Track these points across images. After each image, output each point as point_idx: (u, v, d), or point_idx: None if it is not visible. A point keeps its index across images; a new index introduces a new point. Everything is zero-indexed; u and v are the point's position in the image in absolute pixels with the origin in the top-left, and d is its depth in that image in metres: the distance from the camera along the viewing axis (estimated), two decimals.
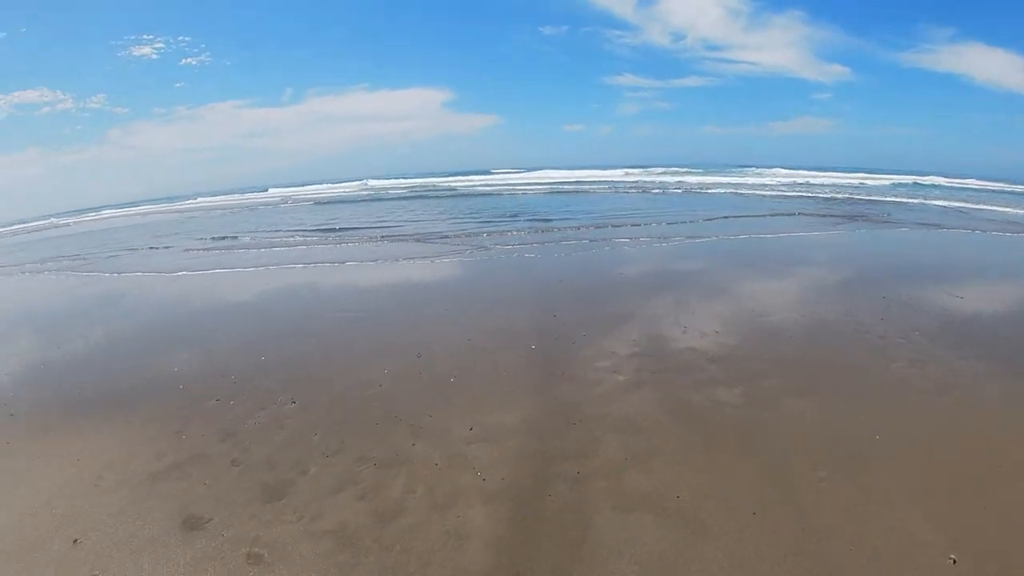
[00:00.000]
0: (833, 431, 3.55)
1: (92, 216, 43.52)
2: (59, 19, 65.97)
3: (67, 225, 36.00)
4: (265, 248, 12.84)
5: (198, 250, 13.63)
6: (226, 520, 2.94)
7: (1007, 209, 18.25)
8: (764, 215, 15.71)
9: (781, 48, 74.03)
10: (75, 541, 2.90)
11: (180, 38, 63.70)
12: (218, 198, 43.77)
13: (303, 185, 50.11)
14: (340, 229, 15.37)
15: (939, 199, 20.91)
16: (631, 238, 11.51)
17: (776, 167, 40.52)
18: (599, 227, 13.11)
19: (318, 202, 28.84)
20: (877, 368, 4.53)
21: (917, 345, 4.93)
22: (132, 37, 61.83)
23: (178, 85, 69.93)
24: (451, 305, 6.80)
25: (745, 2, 67.95)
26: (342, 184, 46.76)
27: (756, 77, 72.67)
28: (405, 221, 17.23)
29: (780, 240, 11.37)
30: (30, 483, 3.51)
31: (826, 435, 3.50)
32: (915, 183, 30.30)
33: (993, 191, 26.27)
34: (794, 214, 15.88)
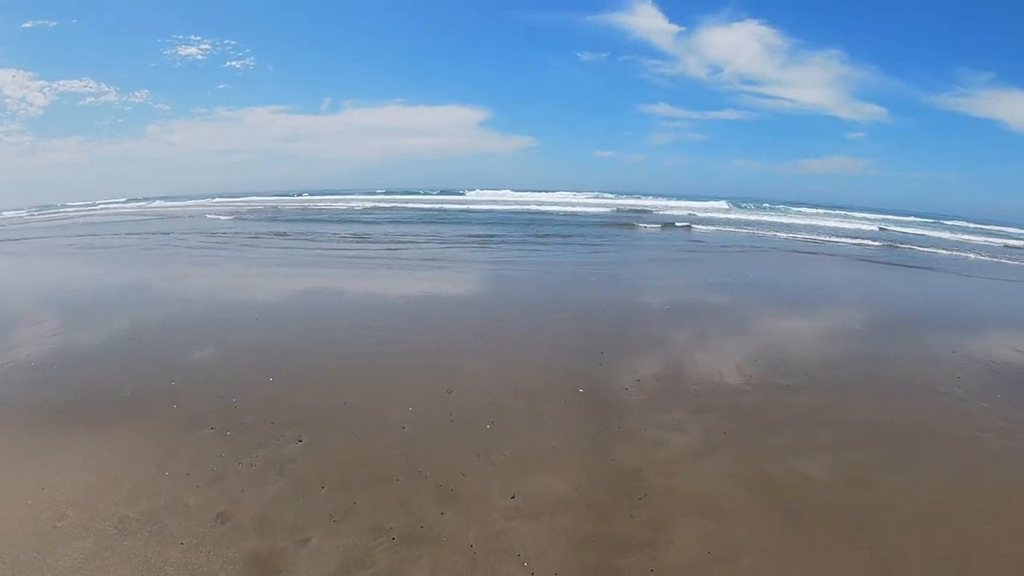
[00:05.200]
0: (936, 519, 3.01)
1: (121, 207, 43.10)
2: (109, 14, 67.60)
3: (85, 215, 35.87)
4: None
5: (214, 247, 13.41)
6: None
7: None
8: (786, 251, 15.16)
9: (818, 86, 72.90)
10: None
11: (227, 41, 64.96)
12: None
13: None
14: None
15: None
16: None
17: (802, 206, 39.73)
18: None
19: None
20: (968, 439, 3.96)
21: (1003, 411, 4.35)
22: (179, 36, 62.99)
23: (221, 87, 71.14)
24: (479, 328, 6.32)
25: (784, 39, 68.37)
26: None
27: (791, 114, 71.79)
28: None
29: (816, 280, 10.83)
30: None
31: (929, 524, 2.96)
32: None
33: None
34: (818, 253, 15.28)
